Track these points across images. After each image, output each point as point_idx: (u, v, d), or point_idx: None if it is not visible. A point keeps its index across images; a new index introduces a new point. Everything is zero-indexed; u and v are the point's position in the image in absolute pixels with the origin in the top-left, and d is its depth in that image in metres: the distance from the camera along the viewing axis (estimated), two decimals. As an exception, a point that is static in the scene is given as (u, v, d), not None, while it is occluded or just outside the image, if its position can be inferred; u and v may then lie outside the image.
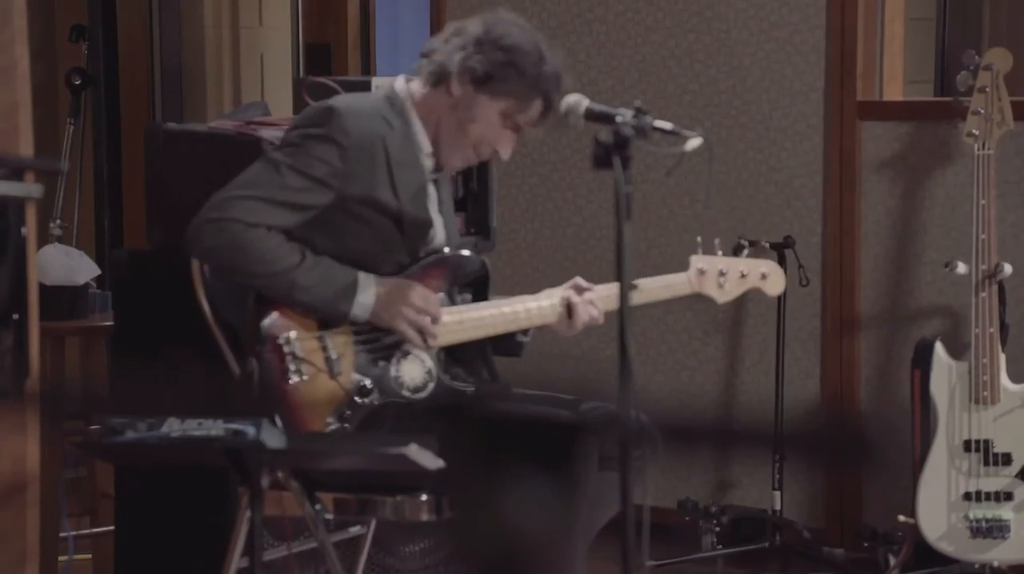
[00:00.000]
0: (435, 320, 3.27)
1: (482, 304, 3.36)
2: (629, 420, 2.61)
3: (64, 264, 4.32)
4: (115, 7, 6.05)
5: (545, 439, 3.21)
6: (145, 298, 3.78)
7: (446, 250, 3.36)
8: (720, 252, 3.50)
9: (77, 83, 5.81)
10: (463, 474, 3.14)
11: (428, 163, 3.36)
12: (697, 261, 3.47)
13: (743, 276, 3.50)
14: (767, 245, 3.52)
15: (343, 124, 3.23)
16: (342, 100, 3.34)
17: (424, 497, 3.21)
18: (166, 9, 6.11)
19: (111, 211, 5.82)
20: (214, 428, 2.80)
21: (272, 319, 3.23)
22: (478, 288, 3.40)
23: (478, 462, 3.16)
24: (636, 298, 3.28)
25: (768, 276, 3.55)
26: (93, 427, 2.83)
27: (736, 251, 3.51)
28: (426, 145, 3.34)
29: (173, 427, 2.80)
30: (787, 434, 4.42)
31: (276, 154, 3.27)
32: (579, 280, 3.41)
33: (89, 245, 5.53)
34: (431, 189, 3.38)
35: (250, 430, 2.80)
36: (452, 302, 3.35)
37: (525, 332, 3.43)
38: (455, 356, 3.36)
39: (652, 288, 3.42)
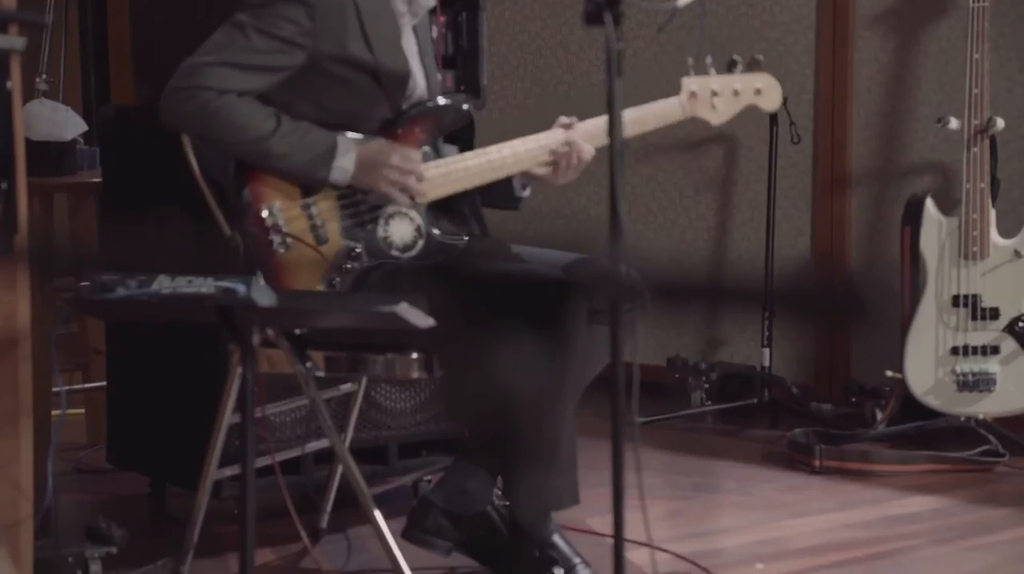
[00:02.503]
0: (418, 178, 3.24)
1: (468, 154, 3.32)
2: (619, 275, 2.61)
3: (51, 119, 4.29)
4: None
5: (534, 294, 3.20)
6: (134, 155, 3.77)
7: (428, 103, 3.32)
8: (713, 71, 3.39)
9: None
10: (453, 331, 3.15)
11: (402, 6, 3.31)
12: (689, 83, 3.37)
13: (736, 94, 3.42)
14: (761, 58, 3.40)
15: None
16: None
17: (414, 355, 3.21)
18: None
19: (97, 65, 5.77)
20: (204, 285, 2.78)
21: (253, 190, 3.19)
22: (464, 138, 3.36)
23: (468, 319, 3.16)
24: (627, 129, 3.24)
25: (763, 91, 3.45)
26: (83, 283, 2.82)
27: (729, 68, 3.39)
28: None
29: (163, 284, 2.79)
30: (777, 291, 4.43)
31: (242, 16, 3.20)
32: (563, 119, 3.35)
33: (75, 100, 5.49)
34: (408, 37, 3.33)
35: (240, 287, 2.79)
36: (438, 154, 3.32)
37: (524, 187, 3.40)
38: (444, 209, 3.33)
39: (642, 117, 3.33)
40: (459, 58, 4.10)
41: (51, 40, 5.54)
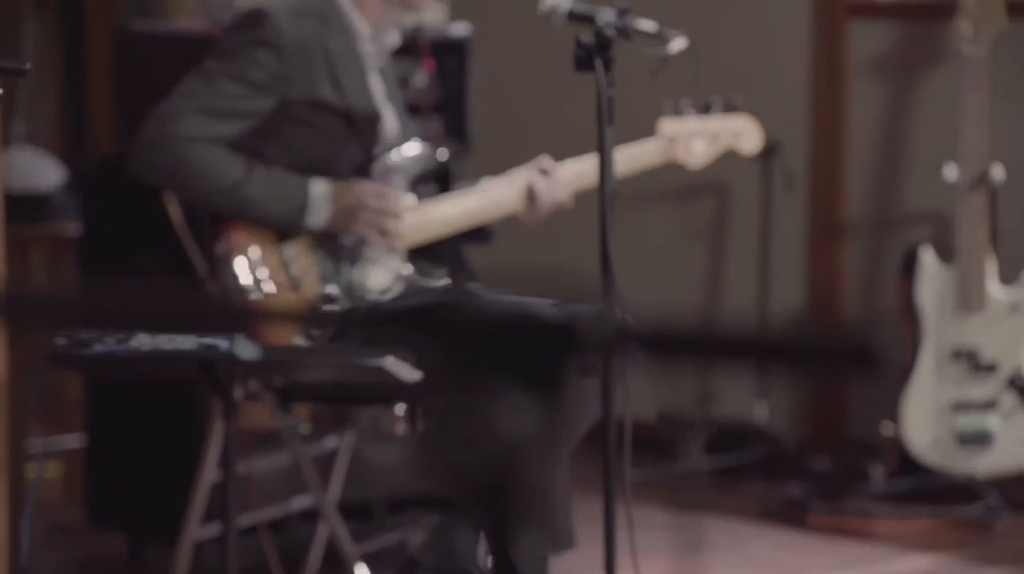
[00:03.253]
0: (396, 216, 3.19)
1: (446, 198, 3.27)
2: (610, 326, 2.54)
3: (29, 167, 4.23)
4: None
5: (525, 345, 3.13)
6: (114, 204, 3.71)
7: (396, 157, 3.27)
8: (692, 112, 3.33)
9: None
10: (440, 383, 3.09)
11: (369, 48, 3.28)
12: (666, 125, 3.33)
13: (715, 137, 3.36)
14: (739, 100, 3.35)
15: (276, 25, 3.15)
16: (270, 2, 3.25)
17: (400, 408, 3.15)
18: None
19: (76, 112, 5.71)
20: (185, 342, 2.73)
21: (226, 239, 3.14)
22: (441, 179, 3.32)
23: (456, 370, 3.10)
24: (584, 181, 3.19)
25: (742, 134, 3.40)
26: (61, 339, 2.76)
27: (706, 109, 3.33)
28: (364, 29, 3.26)
29: (143, 342, 2.73)
30: (772, 342, 4.37)
31: (210, 63, 3.18)
32: (544, 161, 3.30)
33: (53, 147, 5.43)
34: (375, 79, 3.30)
35: (223, 343, 2.73)
36: (418, 198, 3.27)
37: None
38: (422, 248, 3.28)
39: (619, 160, 3.30)
40: (447, 104, 4.07)
41: (30, 85, 5.48)
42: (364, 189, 3.18)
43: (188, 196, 3.16)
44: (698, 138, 3.33)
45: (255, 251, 3.16)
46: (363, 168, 3.24)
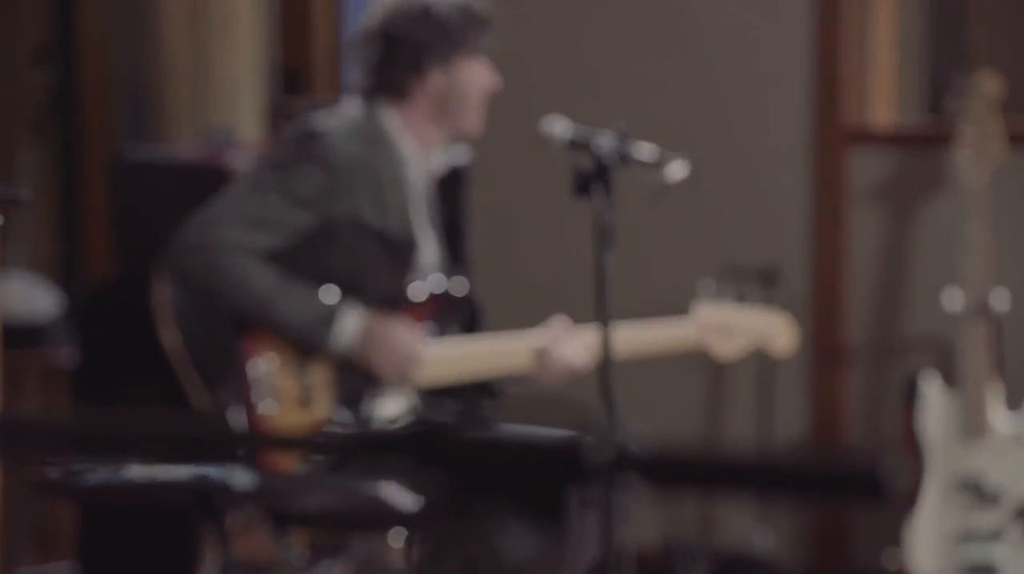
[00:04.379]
0: (417, 362, 3.17)
1: (469, 344, 3.26)
2: (613, 454, 2.50)
3: (25, 295, 4.21)
4: (74, 30, 5.95)
5: (527, 473, 3.09)
6: (109, 332, 3.69)
7: (437, 289, 3.27)
8: (725, 300, 3.28)
9: (38, 110, 5.70)
10: (439, 510, 3.04)
11: (415, 175, 3.29)
12: (701, 312, 3.28)
13: (748, 336, 3.33)
14: (782, 292, 3.27)
15: (330, 144, 3.19)
16: (323, 122, 3.28)
17: (398, 536, 3.11)
18: (127, 31, 6.01)
19: (72, 240, 5.72)
20: (179, 472, 2.70)
21: (247, 345, 3.15)
22: (469, 322, 3.32)
23: (456, 501, 3.05)
24: (630, 347, 3.16)
25: (776, 335, 3.34)
26: (54, 469, 2.73)
27: (742, 298, 3.28)
28: (412, 152, 3.27)
29: (136, 472, 2.70)
30: (774, 469, 4.32)
31: (260, 175, 3.22)
32: (559, 323, 3.27)
33: (50, 274, 5.42)
34: (419, 208, 3.31)
35: (217, 473, 2.70)
36: (442, 334, 3.27)
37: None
38: (435, 390, 3.27)
39: (650, 339, 3.26)
40: (446, 230, 4.06)
41: (27, 213, 5.49)
42: (396, 328, 3.18)
43: (219, 302, 3.17)
44: (731, 333, 3.30)
45: (274, 358, 3.16)
46: (393, 296, 3.23)
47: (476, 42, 3.32)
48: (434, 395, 3.28)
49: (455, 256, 4.07)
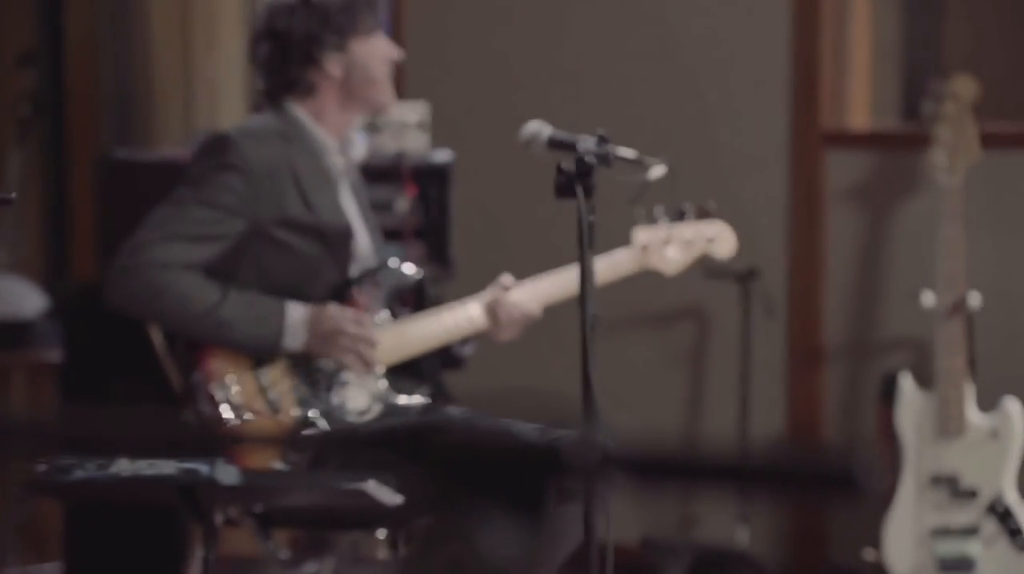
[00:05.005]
0: (372, 343, 3.19)
1: (420, 319, 3.28)
2: (594, 451, 2.54)
3: (10, 295, 4.23)
4: (62, 33, 5.97)
5: (508, 469, 3.12)
6: (95, 332, 3.71)
7: (374, 269, 3.29)
8: (665, 220, 3.35)
9: (24, 111, 5.72)
10: (422, 507, 3.07)
11: (337, 162, 3.30)
12: (639, 233, 3.35)
13: (689, 243, 3.39)
14: (712, 206, 3.38)
15: (240, 149, 3.19)
16: (234, 127, 3.30)
17: (381, 533, 3.14)
18: (115, 34, 6.03)
19: (58, 240, 5.74)
20: (166, 467, 2.72)
21: (202, 366, 3.14)
22: (418, 298, 3.33)
23: (438, 494, 3.09)
24: (575, 284, 3.21)
25: (716, 239, 3.42)
26: (41, 466, 2.75)
27: (679, 217, 3.36)
28: (331, 142, 3.29)
29: (123, 467, 2.72)
30: (752, 468, 4.36)
31: (179, 192, 3.21)
32: (504, 279, 3.34)
33: (36, 274, 5.44)
34: (347, 194, 3.32)
35: (203, 468, 2.73)
36: (394, 316, 3.28)
37: (464, 343, 3.37)
38: (399, 370, 3.28)
39: (594, 270, 3.31)
40: (428, 230, 4.09)
41: (12, 214, 5.51)
42: (342, 314, 3.19)
43: (164, 322, 3.17)
44: (672, 245, 3.36)
45: (231, 378, 3.15)
46: (340, 289, 3.24)
47: (367, 22, 3.30)
48: (397, 376, 3.28)
49: (439, 256, 4.10)
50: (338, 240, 3.25)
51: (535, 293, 3.30)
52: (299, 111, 3.27)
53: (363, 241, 3.32)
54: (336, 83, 3.27)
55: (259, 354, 3.17)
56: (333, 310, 3.20)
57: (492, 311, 3.28)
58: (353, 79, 3.27)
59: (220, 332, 3.13)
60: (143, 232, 3.17)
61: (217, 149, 3.20)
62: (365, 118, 3.37)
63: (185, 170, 3.25)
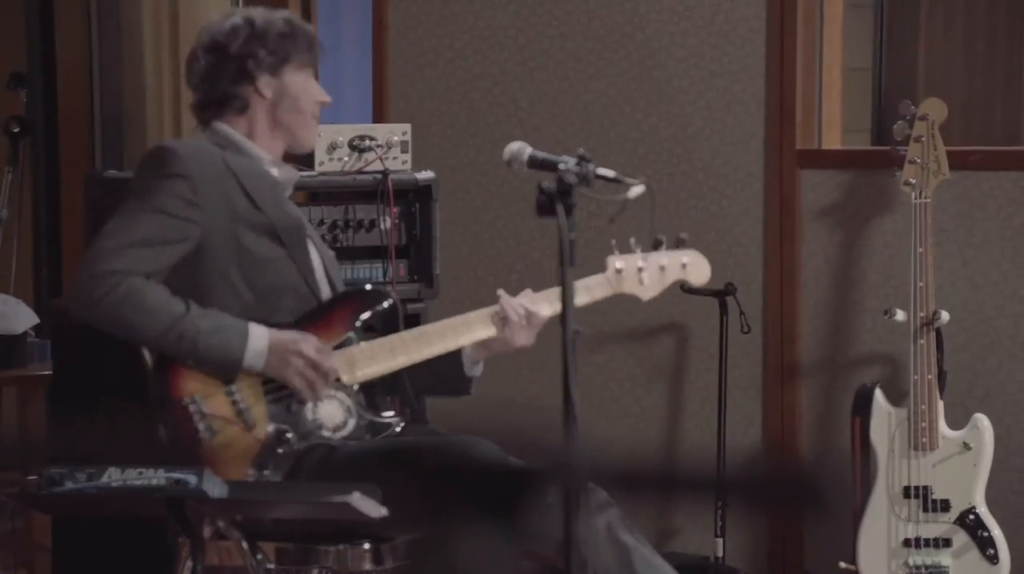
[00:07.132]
0: (328, 377, 3.19)
1: (399, 333, 3.30)
2: (574, 467, 2.60)
3: (2, 312, 4.27)
4: (54, 54, 6.02)
5: (491, 484, 3.18)
6: (85, 348, 3.74)
7: (357, 290, 3.32)
8: (639, 250, 3.43)
9: (15, 131, 5.76)
10: (406, 520, 3.11)
11: (275, 171, 3.35)
12: (613, 260, 3.42)
13: (663, 269, 3.45)
14: (685, 237, 3.47)
15: (181, 159, 3.22)
16: (170, 140, 3.34)
17: (366, 545, 3.18)
18: (106, 55, 6.09)
19: (49, 259, 5.78)
20: (155, 477, 2.76)
21: (173, 381, 3.15)
22: (388, 324, 3.35)
23: (422, 508, 3.13)
24: (555, 305, 3.27)
25: (689, 265, 3.49)
26: (31, 478, 2.78)
27: (655, 246, 3.45)
28: (266, 155, 3.34)
29: (113, 477, 2.76)
30: (730, 480, 4.42)
31: (127, 204, 3.22)
32: (501, 292, 3.38)
33: (27, 293, 5.48)
34: (290, 203, 3.37)
35: (192, 479, 2.77)
36: (366, 333, 3.29)
37: (475, 363, 3.38)
38: (375, 389, 3.30)
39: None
40: (412, 248, 4.13)
41: (3, 233, 5.55)
42: (305, 338, 3.19)
43: (129, 334, 3.16)
44: (646, 272, 3.42)
45: (201, 390, 3.16)
46: (311, 313, 3.24)
47: (304, 57, 3.37)
48: (373, 392, 3.30)
49: (422, 275, 4.14)
50: (293, 236, 3.27)
51: (536, 297, 3.36)
52: (230, 129, 3.33)
53: (315, 260, 3.34)
54: (267, 105, 3.32)
55: (220, 370, 3.17)
56: (296, 334, 3.21)
57: (500, 316, 3.32)
58: (282, 106, 3.33)
59: (183, 344, 3.13)
60: (97, 243, 3.17)
61: (159, 160, 3.23)
62: (285, 153, 3.40)
63: (129, 183, 3.28)
